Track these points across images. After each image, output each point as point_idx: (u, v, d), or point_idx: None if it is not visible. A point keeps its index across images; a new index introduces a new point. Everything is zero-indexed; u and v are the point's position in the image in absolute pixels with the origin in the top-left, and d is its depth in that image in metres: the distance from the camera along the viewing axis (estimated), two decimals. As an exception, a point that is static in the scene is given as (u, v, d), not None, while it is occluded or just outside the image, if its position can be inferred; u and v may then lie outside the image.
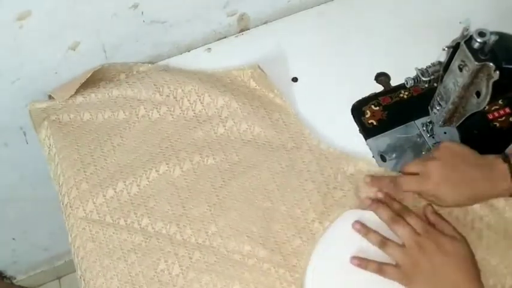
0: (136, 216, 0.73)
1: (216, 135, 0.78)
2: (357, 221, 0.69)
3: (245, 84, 0.82)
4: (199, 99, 0.80)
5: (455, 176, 0.64)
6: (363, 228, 0.68)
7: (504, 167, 0.63)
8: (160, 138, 0.78)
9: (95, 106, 0.81)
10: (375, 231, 0.67)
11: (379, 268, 0.65)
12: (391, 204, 0.69)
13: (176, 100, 0.80)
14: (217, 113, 0.79)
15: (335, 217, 0.71)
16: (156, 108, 0.80)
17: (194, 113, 0.80)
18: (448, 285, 0.61)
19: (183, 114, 0.80)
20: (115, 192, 0.74)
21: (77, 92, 0.81)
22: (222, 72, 0.83)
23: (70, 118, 0.81)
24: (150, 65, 0.86)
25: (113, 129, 0.80)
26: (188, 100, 0.80)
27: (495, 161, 0.64)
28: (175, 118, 0.80)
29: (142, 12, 0.79)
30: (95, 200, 0.74)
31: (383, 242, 0.66)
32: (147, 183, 0.75)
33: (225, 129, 0.78)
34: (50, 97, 0.83)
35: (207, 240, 0.71)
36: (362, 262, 0.66)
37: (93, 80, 0.83)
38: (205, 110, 0.79)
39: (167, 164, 0.76)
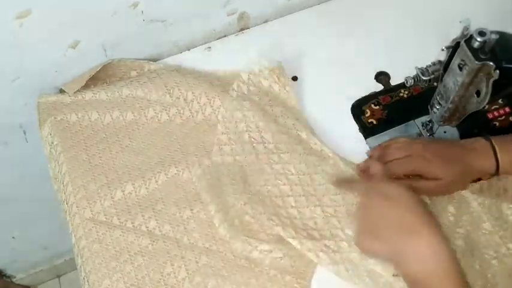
0: (143, 219, 0.72)
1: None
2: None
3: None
4: (209, 103, 0.79)
5: (443, 151, 0.67)
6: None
7: (486, 144, 0.66)
8: (169, 141, 0.78)
9: (104, 105, 0.80)
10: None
11: (350, 187, 0.69)
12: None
13: (186, 102, 0.80)
14: None
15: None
16: (166, 110, 0.80)
17: (204, 116, 0.79)
18: (396, 227, 0.57)
19: (193, 117, 0.79)
20: (123, 194, 0.74)
21: (87, 87, 0.81)
22: (234, 74, 0.82)
23: (78, 117, 0.80)
24: (161, 64, 0.85)
25: (122, 130, 0.79)
26: (198, 103, 0.79)
27: (476, 140, 0.68)
28: (185, 120, 0.79)
29: (142, 11, 0.79)
30: (102, 201, 0.73)
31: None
32: (156, 186, 0.74)
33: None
34: (61, 91, 0.83)
35: (214, 244, 0.71)
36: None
37: (104, 76, 0.83)
38: (215, 113, 0.79)
39: (176, 167, 0.75)
